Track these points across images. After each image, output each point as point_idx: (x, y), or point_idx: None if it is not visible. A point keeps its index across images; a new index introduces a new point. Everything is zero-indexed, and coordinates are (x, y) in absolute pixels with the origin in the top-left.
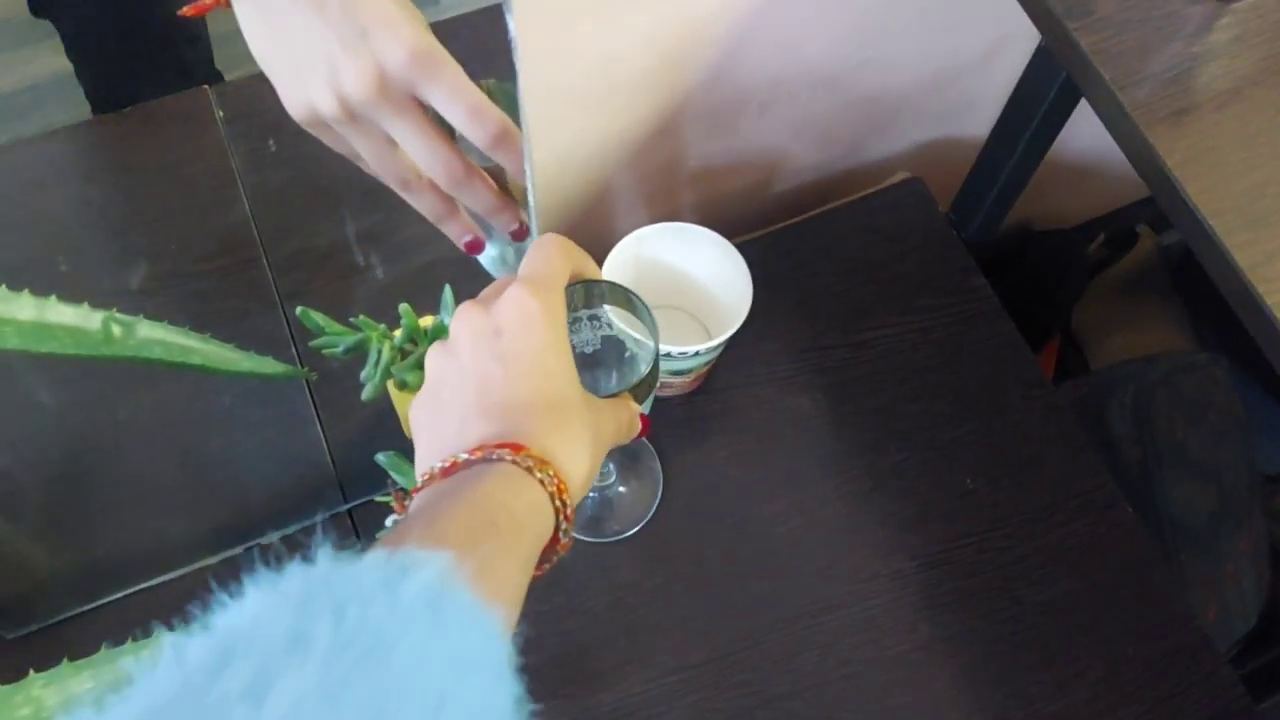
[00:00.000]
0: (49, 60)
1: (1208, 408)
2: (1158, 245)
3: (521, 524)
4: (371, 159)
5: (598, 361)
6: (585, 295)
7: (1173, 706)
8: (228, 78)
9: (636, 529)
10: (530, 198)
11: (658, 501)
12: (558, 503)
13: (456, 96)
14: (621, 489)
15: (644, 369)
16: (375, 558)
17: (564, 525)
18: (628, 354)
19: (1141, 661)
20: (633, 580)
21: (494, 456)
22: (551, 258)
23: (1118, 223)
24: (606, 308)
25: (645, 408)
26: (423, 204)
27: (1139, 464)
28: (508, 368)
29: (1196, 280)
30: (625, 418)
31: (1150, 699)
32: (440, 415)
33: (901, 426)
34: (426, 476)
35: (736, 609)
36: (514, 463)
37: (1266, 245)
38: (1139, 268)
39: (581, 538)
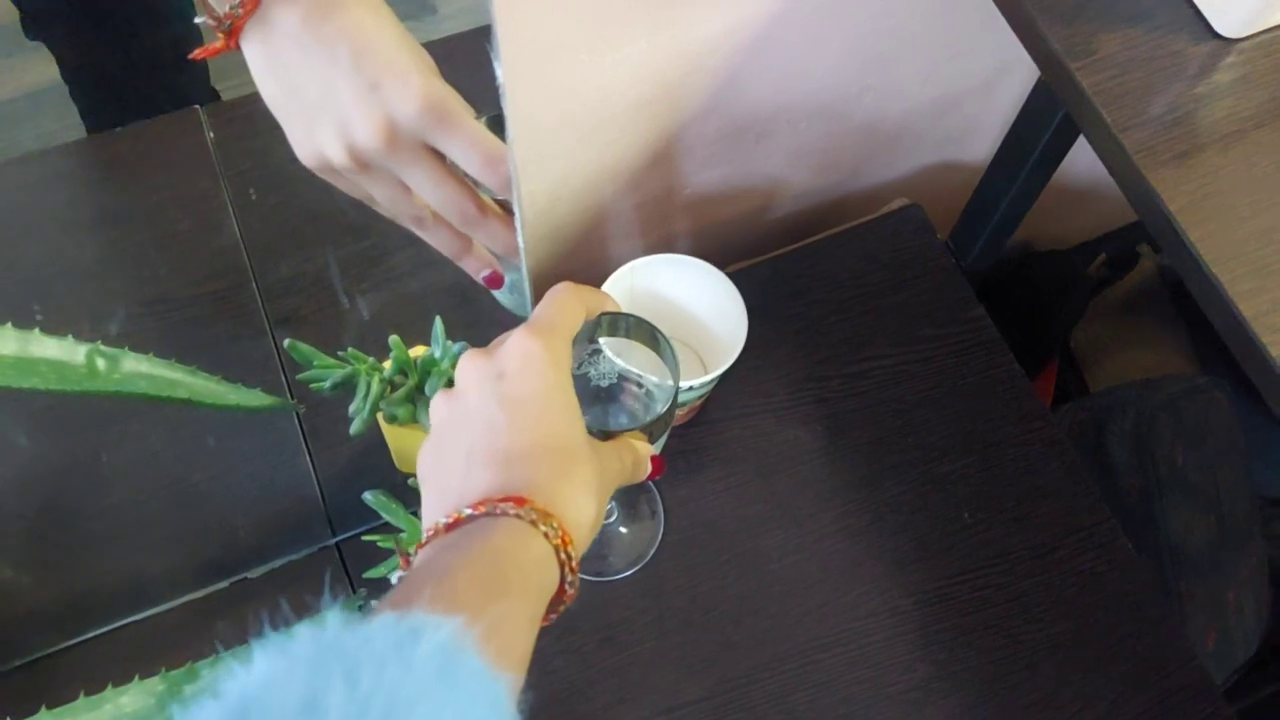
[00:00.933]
0: (45, 69)
1: (1207, 433)
2: (1158, 265)
3: (529, 578)
4: (385, 202)
5: (611, 396)
6: (609, 326)
7: None
8: (225, 97)
9: (637, 568)
10: (519, 231)
11: (658, 541)
12: (563, 555)
13: (471, 148)
14: (623, 529)
15: (660, 408)
16: (385, 620)
17: (569, 577)
18: (643, 390)
19: (1141, 701)
20: (625, 617)
21: (498, 511)
22: (563, 304)
23: (1118, 243)
24: (615, 342)
25: (658, 447)
26: (438, 241)
27: (1139, 491)
28: (510, 414)
29: (1196, 302)
30: (631, 458)
31: None
32: (444, 464)
33: (899, 460)
34: (431, 532)
35: (731, 646)
36: (517, 516)
37: (1273, 294)
38: (1139, 288)
39: (583, 577)
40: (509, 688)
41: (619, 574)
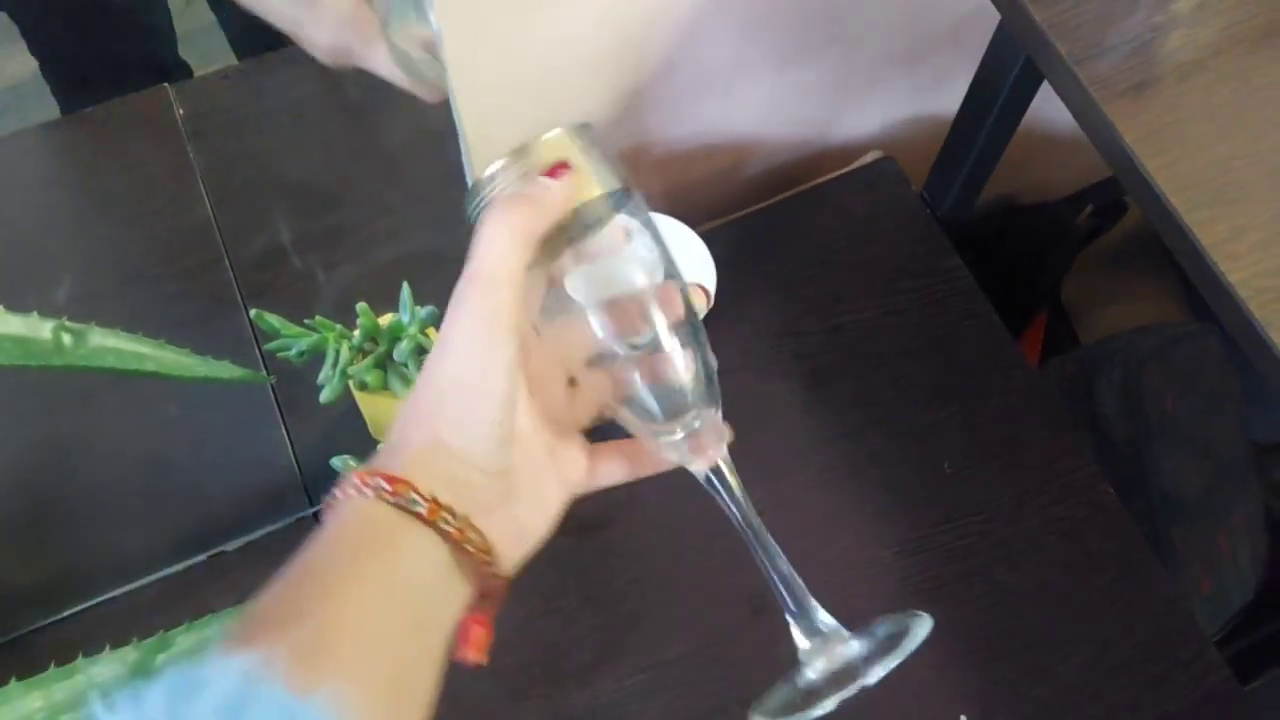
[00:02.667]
0: (27, 62)
1: (1200, 379)
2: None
3: (361, 550)
4: None
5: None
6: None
7: (1158, 691)
8: (197, 73)
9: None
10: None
11: None
12: (381, 492)
13: None
14: None
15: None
16: (160, 686)
17: (418, 512)
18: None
19: (1126, 646)
20: (605, 578)
21: (339, 492)
22: (492, 241)
23: (1106, 192)
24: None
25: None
26: None
27: (1128, 440)
28: (421, 375)
29: (1158, 231)
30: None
31: (1136, 684)
32: None
33: (878, 412)
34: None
35: (712, 603)
36: (345, 491)
37: (1231, 221)
38: (1129, 237)
39: None
40: (338, 699)
41: None
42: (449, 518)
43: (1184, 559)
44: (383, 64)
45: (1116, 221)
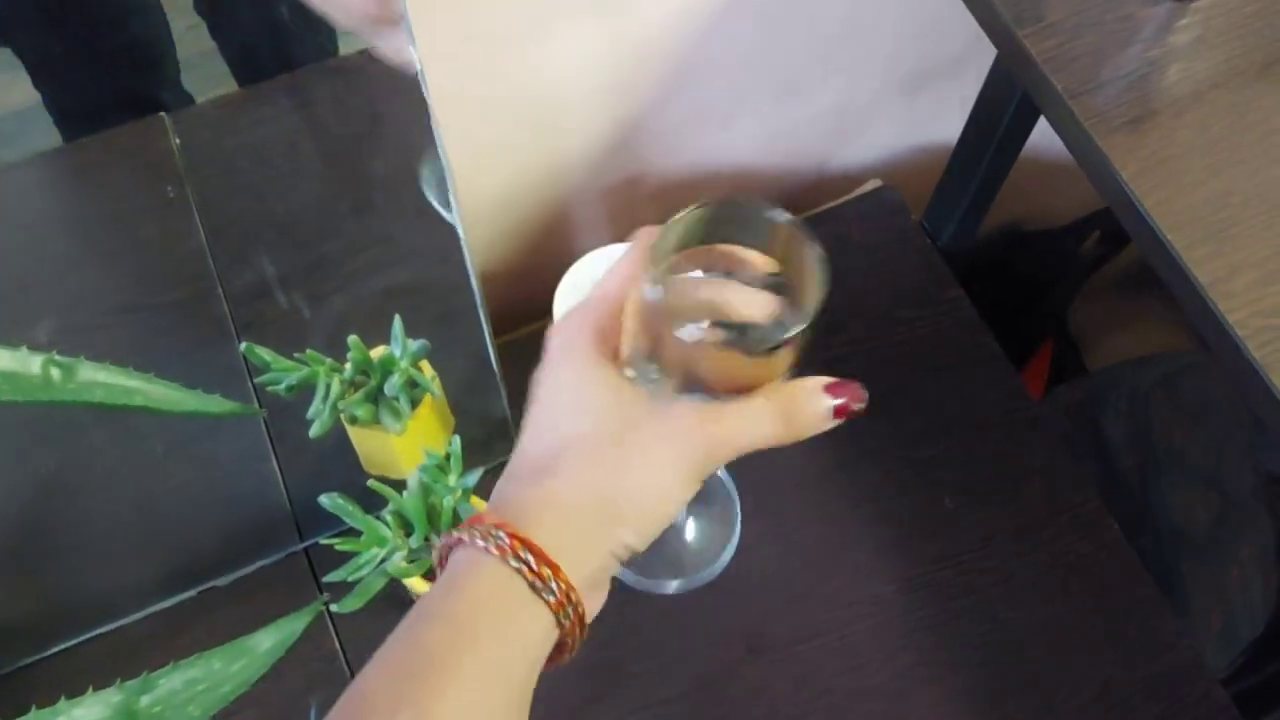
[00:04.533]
0: (29, 88)
1: (1209, 409)
2: None
3: (472, 626)
4: None
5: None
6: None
7: None
8: (198, 100)
9: (713, 574)
10: (462, 241)
11: (735, 540)
12: (524, 568)
13: None
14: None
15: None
16: None
17: (544, 598)
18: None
19: (1131, 685)
20: (601, 615)
21: (449, 540)
22: (613, 270)
23: (1112, 218)
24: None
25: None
26: None
27: (1136, 471)
28: (528, 424)
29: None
30: (750, 420)
31: None
32: None
33: (877, 445)
34: (436, 551)
35: (708, 640)
36: (459, 541)
37: (1229, 259)
38: (1136, 263)
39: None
40: None
41: (689, 584)
42: (573, 607)
43: (1193, 593)
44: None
45: (1123, 247)
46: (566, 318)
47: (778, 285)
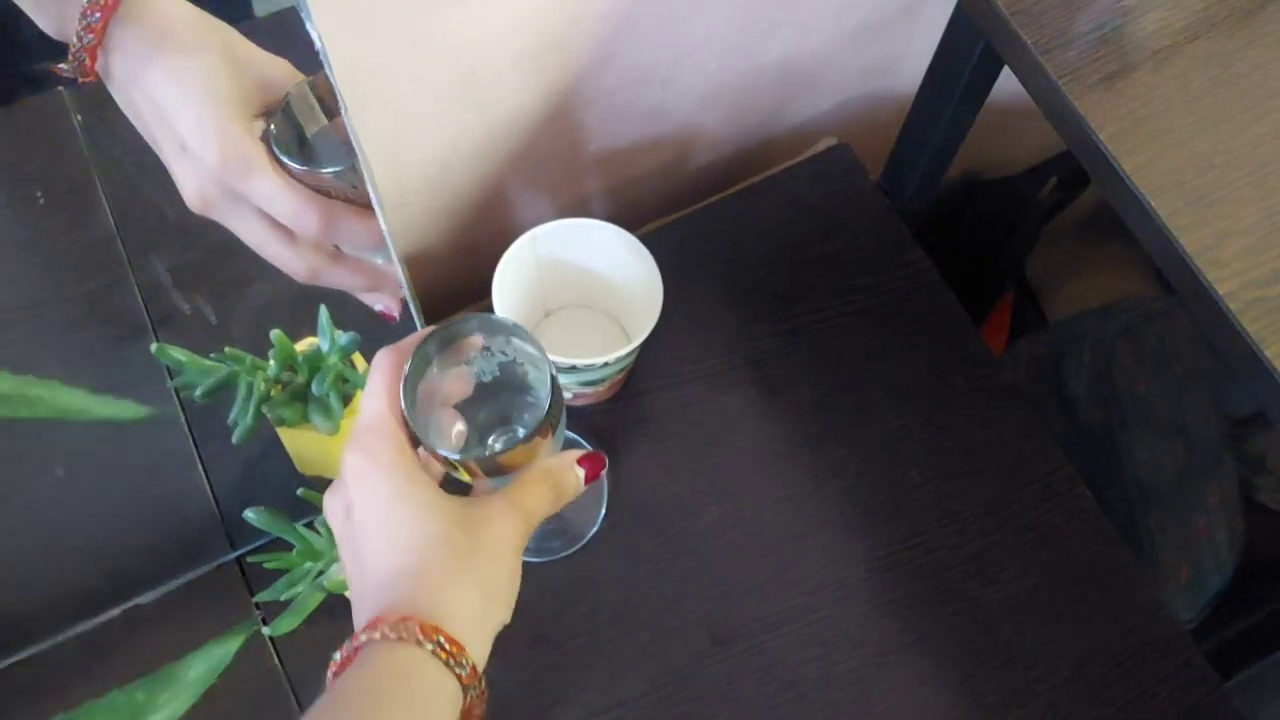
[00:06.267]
0: None
1: (1171, 357)
2: None
3: (390, 696)
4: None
5: (502, 388)
6: (451, 335)
7: (1143, 705)
8: None
9: (576, 548)
10: (379, 216)
11: (601, 517)
12: (436, 650)
13: (274, 201)
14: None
15: (545, 399)
16: None
17: (457, 670)
18: (529, 374)
19: (1109, 659)
20: (555, 612)
21: (357, 644)
22: (372, 392)
23: (1069, 164)
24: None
25: (554, 447)
26: (339, 282)
27: (1101, 425)
28: (363, 544)
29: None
30: (543, 488)
31: (1119, 699)
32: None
33: (840, 420)
34: (330, 678)
35: (669, 634)
36: (371, 640)
37: (1216, 225)
38: (1093, 210)
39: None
40: None
41: (558, 554)
42: (479, 680)
43: (1161, 546)
44: (252, 231)
45: (1079, 193)
46: (362, 440)
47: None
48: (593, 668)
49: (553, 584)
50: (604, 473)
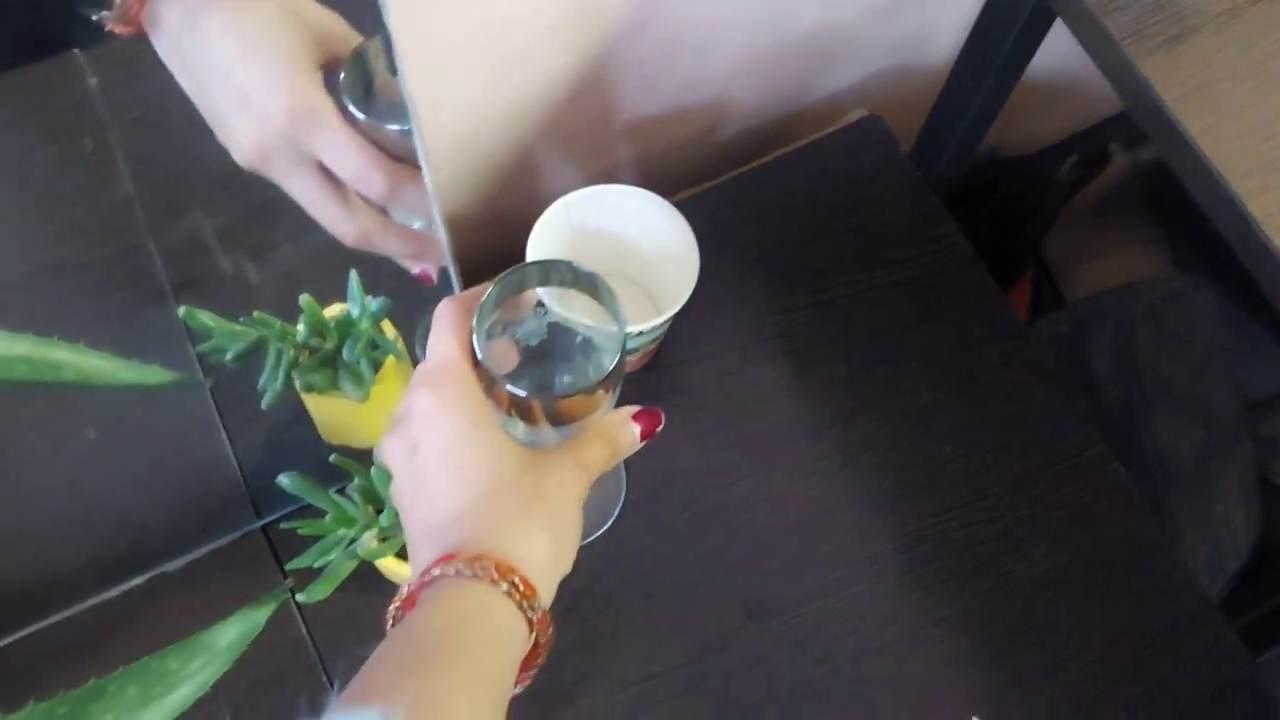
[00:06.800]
0: None
1: (1192, 338)
2: (1132, 164)
3: (467, 639)
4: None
5: (546, 353)
6: (540, 276)
7: (1175, 681)
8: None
9: (602, 531)
10: (426, 176)
11: (622, 500)
12: (516, 596)
13: (341, 157)
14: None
15: (608, 361)
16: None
17: (536, 626)
18: (578, 339)
19: (1141, 636)
20: (586, 585)
21: (429, 578)
22: (440, 334)
23: (1089, 143)
24: (550, 292)
25: (611, 404)
26: (389, 249)
27: (1122, 404)
28: (429, 482)
29: (1172, 199)
30: (601, 444)
31: (1152, 676)
32: (409, 546)
33: (872, 393)
34: (389, 620)
35: (701, 609)
36: (443, 575)
37: None
38: (1112, 190)
39: None
40: None
41: (584, 540)
42: (546, 627)
43: (1181, 526)
44: (307, 188)
45: (1099, 173)
46: (433, 380)
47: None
48: (624, 640)
49: (584, 556)
50: (621, 463)
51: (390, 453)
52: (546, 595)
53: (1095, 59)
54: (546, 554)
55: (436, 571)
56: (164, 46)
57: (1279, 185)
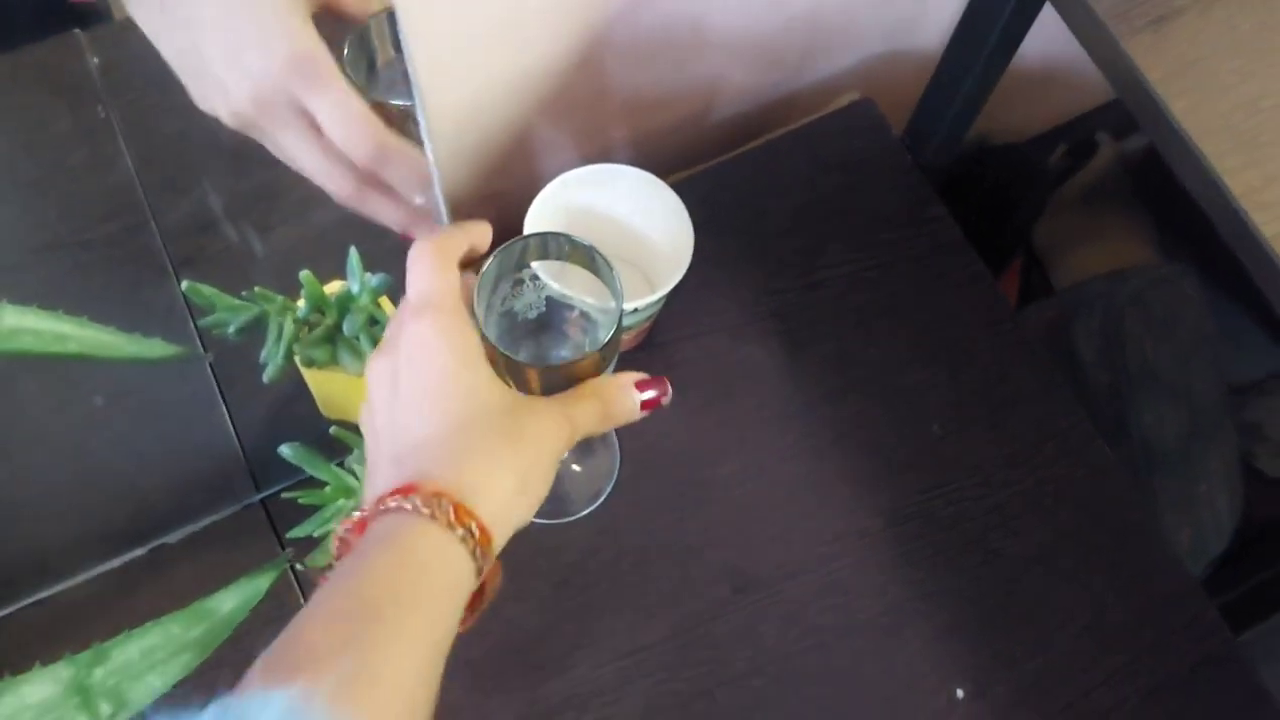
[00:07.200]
0: None
1: (1177, 323)
2: (1119, 153)
3: (417, 586)
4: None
5: (545, 327)
6: (538, 249)
7: (1157, 654)
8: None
9: (595, 506)
10: (428, 152)
11: (615, 475)
12: (470, 542)
13: (332, 111)
14: (575, 467)
15: (604, 334)
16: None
17: (478, 563)
18: (576, 314)
19: (1124, 610)
20: (579, 559)
21: (383, 507)
22: (429, 268)
23: (1077, 132)
24: (547, 265)
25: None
26: (376, 213)
27: (1109, 388)
28: (407, 407)
29: (1159, 187)
30: (596, 404)
31: (1134, 648)
32: (369, 470)
33: (862, 373)
34: (337, 541)
35: (691, 582)
36: (400, 508)
37: (1263, 168)
38: (1100, 178)
39: (538, 521)
40: None
41: (576, 514)
42: (496, 575)
43: (1165, 509)
44: (295, 142)
45: (1087, 162)
46: (427, 311)
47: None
48: (616, 613)
49: (576, 530)
50: (614, 439)
51: (373, 374)
52: (500, 539)
53: (1080, 39)
54: (508, 496)
55: (393, 503)
56: (145, 8)
57: (1259, 162)
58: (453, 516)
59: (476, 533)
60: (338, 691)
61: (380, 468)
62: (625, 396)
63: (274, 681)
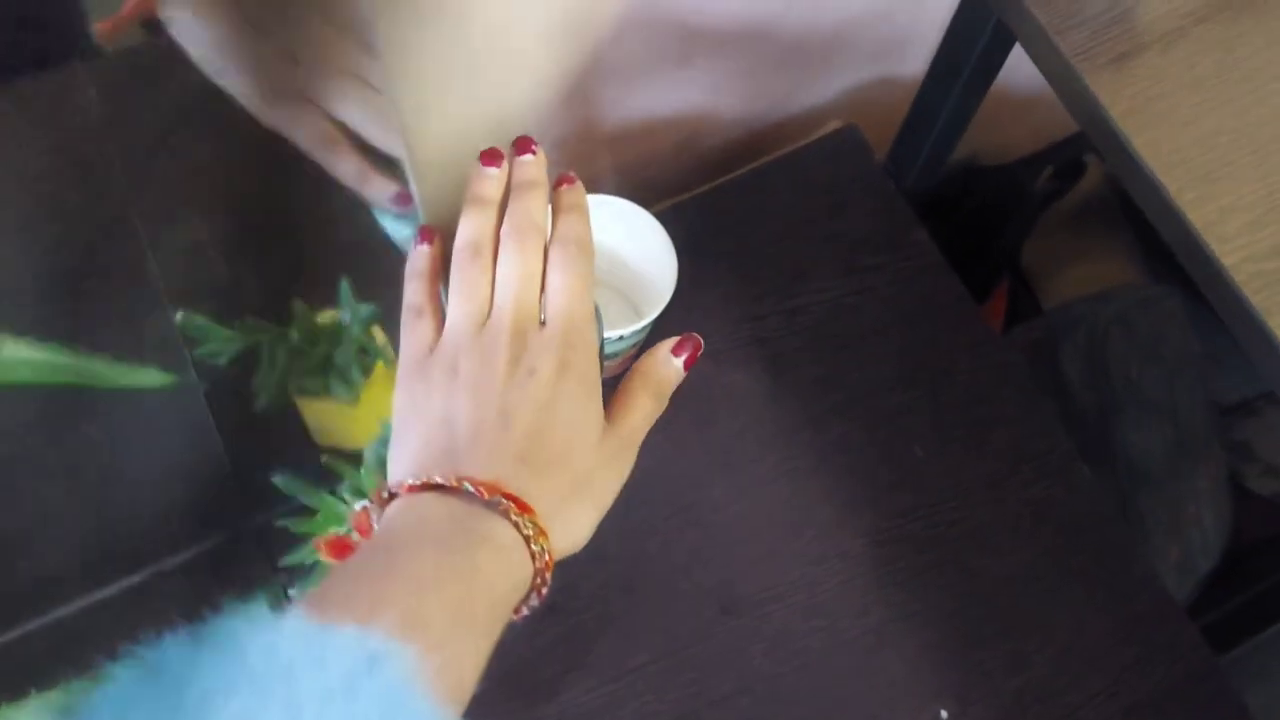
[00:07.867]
0: None
1: (1162, 344)
2: (1106, 175)
3: (498, 611)
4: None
5: None
6: None
7: (1137, 673)
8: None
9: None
10: (414, 188)
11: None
12: (539, 579)
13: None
14: None
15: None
16: (345, 639)
17: (535, 602)
18: None
19: (1104, 629)
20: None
21: (500, 506)
22: (580, 294)
23: (1065, 153)
24: None
25: None
26: (339, 167)
27: (1096, 409)
28: (537, 421)
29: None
30: (641, 413)
31: (1114, 667)
32: (430, 414)
33: (843, 397)
34: (405, 487)
35: (677, 605)
36: (516, 524)
37: (1220, 201)
38: (1088, 200)
39: None
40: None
41: None
42: (549, 556)
43: (1152, 528)
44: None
45: (1074, 183)
46: (568, 340)
47: None
48: (604, 637)
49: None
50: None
51: (492, 342)
52: (565, 544)
53: (1045, 74)
54: (581, 545)
55: (439, 478)
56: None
57: (1217, 195)
58: (543, 564)
59: (543, 582)
60: (441, 671)
61: (480, 438)
62: (670, 368)
63: (403, 636)
